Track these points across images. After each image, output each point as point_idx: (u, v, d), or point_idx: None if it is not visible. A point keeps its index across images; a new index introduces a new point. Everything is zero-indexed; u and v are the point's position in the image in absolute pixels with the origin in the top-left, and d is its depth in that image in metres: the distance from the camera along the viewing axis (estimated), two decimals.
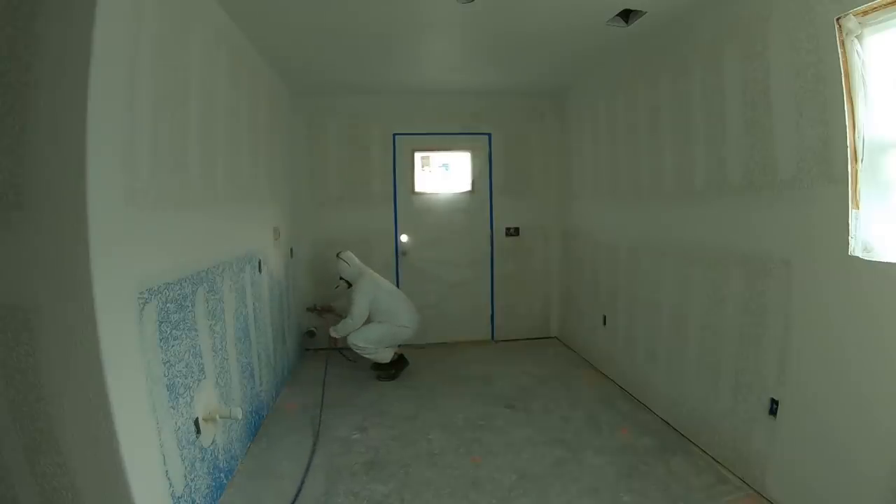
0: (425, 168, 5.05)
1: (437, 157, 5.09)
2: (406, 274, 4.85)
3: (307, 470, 2.55)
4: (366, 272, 4.01)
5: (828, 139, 1.90)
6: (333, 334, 3.85)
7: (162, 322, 1.83)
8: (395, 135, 4.77)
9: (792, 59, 2.06)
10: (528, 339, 5.01)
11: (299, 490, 2.37)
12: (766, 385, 2.24)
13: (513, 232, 4.99)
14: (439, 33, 3.21)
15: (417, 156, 4.89)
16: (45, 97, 1.42)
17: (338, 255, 4.08)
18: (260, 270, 3.25)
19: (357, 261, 4.09)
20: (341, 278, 4.07)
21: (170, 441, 1.84)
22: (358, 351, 3.82)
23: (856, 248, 1.82)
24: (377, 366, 3.93)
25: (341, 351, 4.03)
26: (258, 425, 3.02)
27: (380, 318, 3.88)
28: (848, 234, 1.83)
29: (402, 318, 3.90)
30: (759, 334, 2.28)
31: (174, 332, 1.93)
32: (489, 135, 4.90)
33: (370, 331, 3.83)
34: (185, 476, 1.94)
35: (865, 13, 1.75)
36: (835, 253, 1.88)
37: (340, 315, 4.14)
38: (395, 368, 3.94)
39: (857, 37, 1.80)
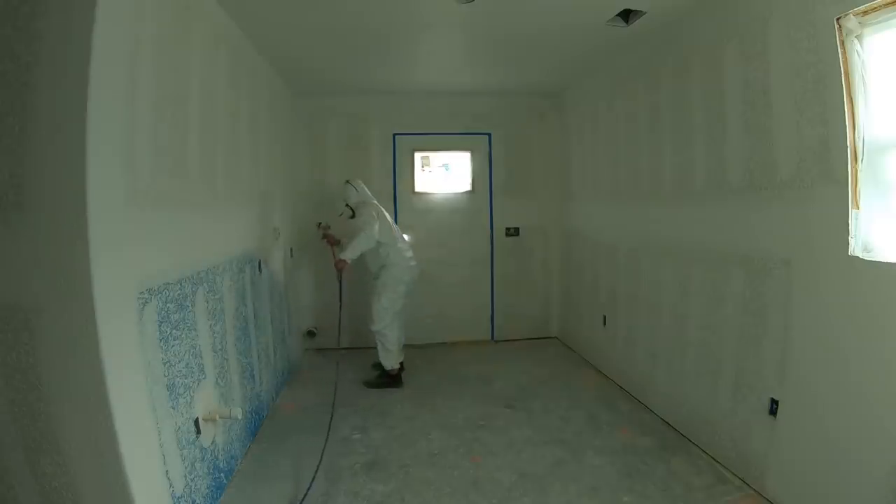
0: (425, 168, 5.05)
1: (437, 158, 5.09)
2: None
3: (317, 470, 2.51)
4: (372, 201, 3.83)
5: (828, 139, 1.90)
6: (342, 256, 3.53)
7: (162, 322, 1.83)
8: (395, 135, 4.76)
9: (792, 59, 2.06)
10: (528, 339, 5.01)
11: (308, 490, 2.36)
12: (766, 385, 2.24)
13: (513, 232, 4.98)
14: (439, 33, 3.21)
15: (417, 156, 4.89)
16: (45, 97, 1.42)
17: (347, 181, 3.88)
18: (260, 270, 3.25)
19: (367, 190, 3.89)
20: (347, 205, 3.87)
21: (170, 441, 1.84)
22: (380, 339, 3.68)
23: (856, 248, 1.82)
24: (375, 365, 3.91)
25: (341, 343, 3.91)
26: (258, 425, 3.02)
27: (378, 266, 3.69)
28: (848, 234, 1.83)
29: (401, 261, 3.69)
30: (759, 334, 2.28)
31: (174, 331, 1.93)
32: (489, 135, 4.89)
33: (378, 301, 3.66)
34: (185, 476, 1.94)
35: (865, 13, 1.75)
36: (835, 253, 1.88)
37: (341, 254, 3.79)
38: (387, 381, 3.78)
39: (857, 37, 1.80)
